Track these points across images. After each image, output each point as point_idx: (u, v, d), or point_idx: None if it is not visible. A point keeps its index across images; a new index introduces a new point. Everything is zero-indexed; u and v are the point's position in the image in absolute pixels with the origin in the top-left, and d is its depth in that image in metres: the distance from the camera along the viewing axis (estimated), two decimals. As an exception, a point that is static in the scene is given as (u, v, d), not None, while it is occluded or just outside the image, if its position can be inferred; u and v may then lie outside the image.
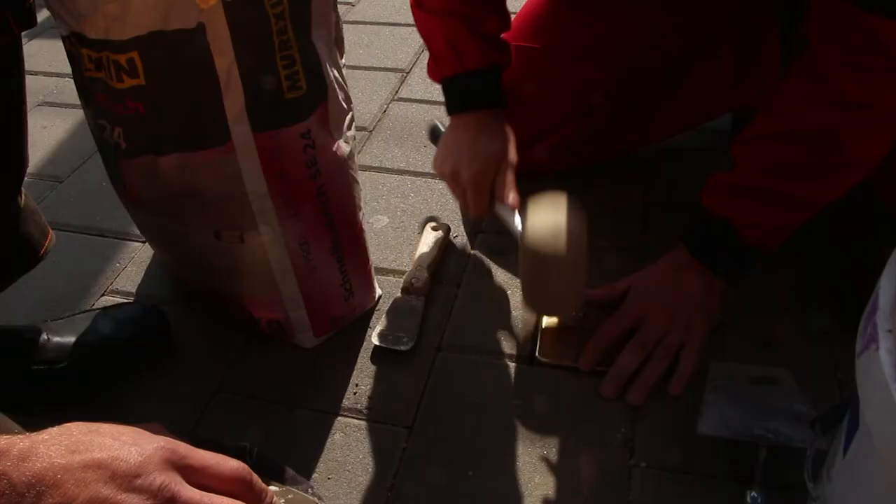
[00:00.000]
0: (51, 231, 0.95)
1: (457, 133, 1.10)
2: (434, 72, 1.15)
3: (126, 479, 0.51)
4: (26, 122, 0.85)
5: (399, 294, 1.07)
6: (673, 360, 0.96)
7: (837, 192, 0.93)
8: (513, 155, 1.07)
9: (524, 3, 1.32)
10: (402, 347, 0.99)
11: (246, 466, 0.58)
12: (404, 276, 1.08)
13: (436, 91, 1.55)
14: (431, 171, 1.24)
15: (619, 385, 0.94)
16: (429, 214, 1.24)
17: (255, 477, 0.58)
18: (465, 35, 1.08)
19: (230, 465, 0.57)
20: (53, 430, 0.52)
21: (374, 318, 1.05)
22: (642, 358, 0.96)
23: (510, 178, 1.04)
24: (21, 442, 0.49)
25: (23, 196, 0.89)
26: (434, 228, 1.16)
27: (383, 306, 1.07)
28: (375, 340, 1.00)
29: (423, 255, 1.12)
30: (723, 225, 0.96)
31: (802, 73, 0.90)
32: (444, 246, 1.16)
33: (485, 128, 1.09)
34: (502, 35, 1.12)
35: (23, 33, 0.78)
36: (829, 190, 0.93)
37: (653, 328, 0.97)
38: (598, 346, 0.98)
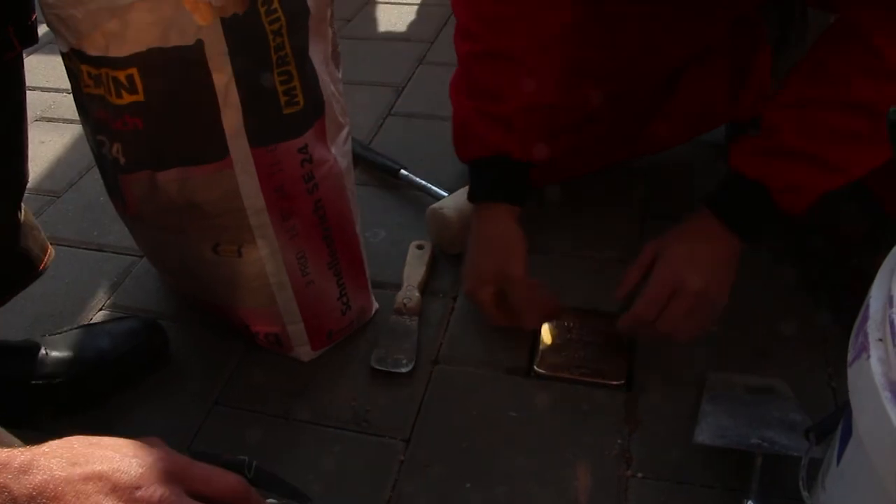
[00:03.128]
0: (50, 246, 0.95)
1: (471, 235, 1.06)
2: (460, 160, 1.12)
3: (127, 491, 0.51)
4: (27, 137, 0.85)
5: (392, 314, 1.08)
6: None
7: (872, 163, 0.93)
8: (513, 267, 1.00)
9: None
10: (402, 370, 0.99)
11: (244, 480, 0.58)
12: (396, 297, 1.09)
13: (431, 106, 1.57)
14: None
15: (634, 327, 0.96)
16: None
17: (253, 491, 0.59)
18: (474, 119, 1.05)
19: (228, 478, 0.58)
20: (54, 443, 0.53)
21: (371, 331, 1.06)
22: (658, 311, 0.94)
23: (519, 299, 1.01)
24: (22, 455, 0.50)
25: (22, 211, 0.89)
26: (418, 247, 1.17)
27: (380, 320, 1.07)
28: (374, 364, 1.00)
29: (411, 275, 1.12)
30: (756, 188, 0.94)
31: (853, 44, 0.89)
32: (431, 262, 1.16)
33: (485, 228, 1.05)
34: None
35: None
36: (866, 159, 0.92)
37: (679, 307, 0.94)
38: (629, 328, 0.97)
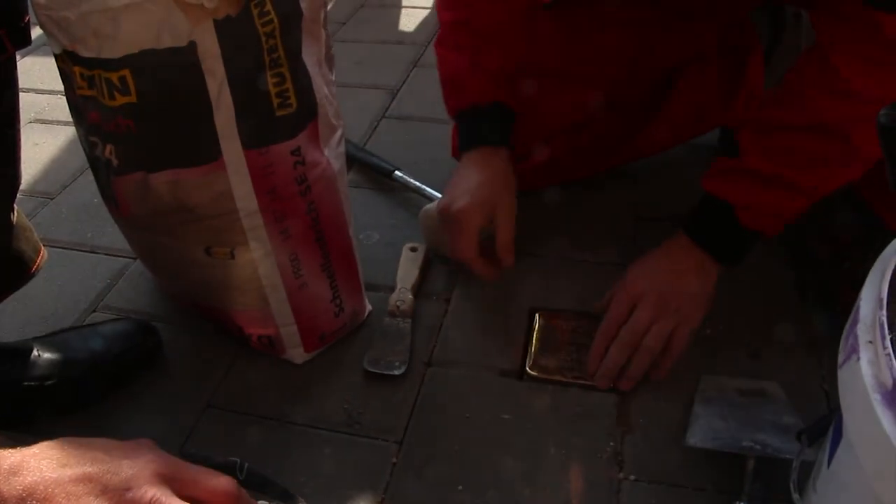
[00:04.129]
0: (43, 248, 0.95)
1: (457, 170, 1.10)
2: (447, 109, 1.16)
3: (117, 493, 0.51)
4: (19, 139, 0.85)
5: (385, 317, 1.08)
6: (663, 346, 0.96)
7: (838, 182, 0.94)
8: (510, 200, 1.05)
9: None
10: (396, 372, 0.99)
11: (234, 482, 0.58)
12: (389, 300, 1.09)
13: (425, 109, 1.57)
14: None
15: (610, 379, 0.96)
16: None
17: (244, 492, 0.59)
18: (467, 69, 1.09)
19: (219, 480, 0.58)
20: (44, 445, 0.53)
21: (364, 333, 1.06)
22: (629, 352, 0.96)
23: (504, 221, 1.04)
24: (11, 456, 0.50)
25: (15, 213, 0.89)
26: (412, 249, 1.17)
27: (374, 322, 1.07)
28: (367, 366, 1.00)
29: (404, 277, 1.12)
30: (723, 207, 0.96)
31: (814, 65, 0.91)
32: (425, 265, 1.17)
33: (486, 164, 1.07)
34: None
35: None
36: (830, 180, 0.94)
37: (642, 315, 0.96)
38: (601, 343, 0.98)
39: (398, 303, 1.08)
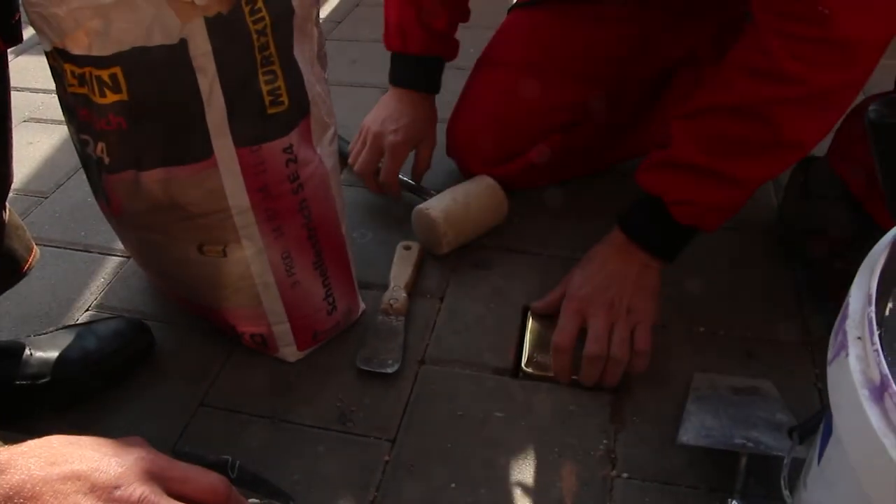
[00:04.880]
0: (35, 247, 0.95)
1: (391, 101, 1.26)
2: (386, 42, 1.27)
3: (105, 491, 0.51)
4: (11, 137, 0.85)
5: (379, 315, 1.07)
6: (629, 350, 0.95)
7: (770, 172, 0.94)
8: (433, 137, 1.27)
9: (504, 19, 1.34)
10: (388, 370, 0.99)
11: (225, 479, 0.58)
12: (382, 298, 1.09)
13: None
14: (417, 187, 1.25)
15: (594, 383, 0.96)
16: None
17: (234, 490, 0.59)
18: (414, 22, 1.20)
19: (209, 477, 0.57)
20: (33, 443, 0.53)
21: (357, 331, 1.06)
22: (602, 362, 0.94)
23: (426, 154, 1.26)
24: None
25: (7, 211, 0.89)
26: (406, 248, 1.17)
27: (367, 320, 1.07)
28: (360, 365, 1.00)
29: (398, 275, 1.12)
30: (655, 202, 0.95)
31: (743, 46, 0.90)
32: (419, 263, 1.17)
33: (416, 104, 1.25)
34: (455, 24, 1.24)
35: (9, 49, 0.79)
36: (761, 170, 0.93)
37: (599, 323, 0.95)
38: (563, 359, 0.97)
39: (391, 301, 1.08)
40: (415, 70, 1.25)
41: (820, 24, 0.79)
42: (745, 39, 0.90)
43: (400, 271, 1.13)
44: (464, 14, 1.25)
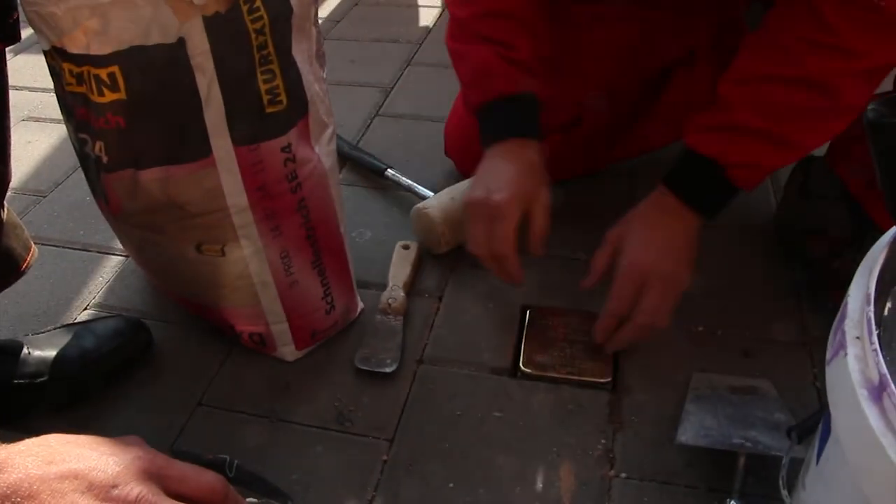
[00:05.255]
0: (33, 246, 0.95)
1: (488, 165, 1.04)
2: (468, 103, 1.12)
3: (103, 490, 0.51)
4: (9, 136, 0.85)
5: (377, 314, 1.07)
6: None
7: (827, 136, 0.97)
8: (546, 195, 1.02)
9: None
10: (387, 370, 0.99)
11: (222, 479, 0.58)
12: (381, 297, 1.09)
13: (418, 107, 1.57)
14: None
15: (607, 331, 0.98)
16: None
17: (232, 489, 0.59)
18: (496, 60, 1.05)
19: (207, 477, 0.57)
20: (30, 442, 0.53)
21: (356, 331, 1.05)
22: (643, 331, 0.97)
23: (542, 217, 1.01)
24: None
25: (5, 210, 0.89)
26: (404, 247, 1.17)
27: (365, 320, 1.07)
28: (358, 364, 0.99)
29: (396, 275, 1.12)
30: (710, 163, 0.96)
31: (803, 17, 0.90)
32: (417, 263, 1.16)
33: (518, 157, 1.03)
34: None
35: (7, 48, 0.79)
36: (819, 134, 0.95)
37: (655, 295, 0.95)
38: (610, 324, 0.98)
39: (390, 300, 1.07)
40: (507, 115, 1.06)
41: (877, 11, 0.83)
42: (800, 12, 0.90)
43: (398, 271, 1.13)
44: (543, 46, 1.09)
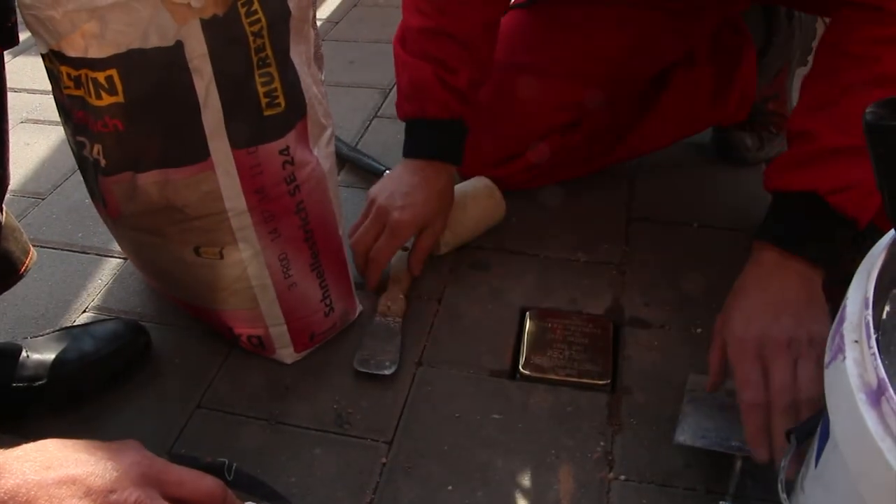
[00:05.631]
0: (32, 249, 0.95)
1: (404, 173, 1.12)
2: (399, 110, 1.16)
3: (101, 495, 0.51)
4: (8, 139, 0.85)
5: (376, 316, 1.07)
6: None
7: None
8: (442, 223, 1.13)
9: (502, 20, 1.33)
10: (386, 372, 0.98)
11: (221, 483, 0.58)
12: (379, 300, 1.09)
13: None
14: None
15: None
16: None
17: (230, 493, 0.59)
18: (432, 80, 1.09)
19: (205, 481, 0.57)
20: (28, 447, 0.53)
21: (354, 333, 1.05)
22: (794, 414, 0.78)
23: (428, 242, 1.11)
24: None
25: (4, 213, 0.89)
26: (403, 249, 1.16)
27: (364, 321, 1.07)
28: (357, 366, 0.99)
29: (396, 277, 1.12)
30: (807, 198, 0.85)
31: (858, 20, 0.85)
32: None
33: (432, 181, 1.11)
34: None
35: (5, 51, 0.79)
36: None
37: (783, 371, 0.79)
38: (759, 423, 0.79)
39: (389, 303, 1.07)
40: (432, 136, 1.12)
41: None
42: (853, 19, 0.86)
43: (397, 273, 1.13)
44: (484, 73, 1.14)
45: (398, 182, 1.11)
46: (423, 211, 1.09)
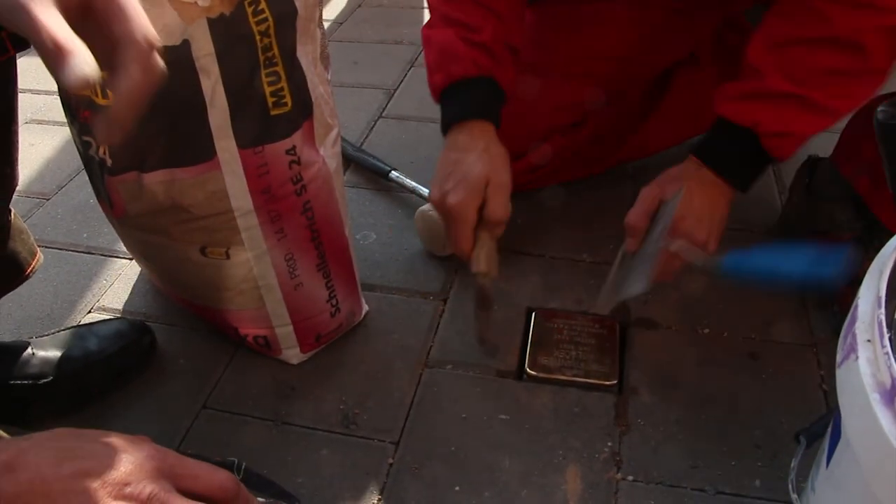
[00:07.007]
0: (39, 251, 0.95)
1: (443, 154, 1.01)
2: (431, 89, 1.08)
3: (116, 487, 0.50)
4: (17, 140, 0.85)
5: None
6: None
7: (857, 101, 0.94)
8: (502, 176, 0.97)
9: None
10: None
11: (234, 477, 0.58)
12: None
13: (422, 109, 1.57)
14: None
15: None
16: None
17: (243, 488, 0.58)
18: (456, 42, 1.03)
19: (219, 475, 0.57)
20: (40, 437, 0.52)
21: (361, 333, 1.05)
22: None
23: (500, 201, 0.96)
24: (6, 451, 0.49)
25: (12, 214, 0.89)
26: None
27: (370, 322, 1.07)
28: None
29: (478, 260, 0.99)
30: (746, 133, 0.94)
31: None
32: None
33: (472, 144, 0.99)
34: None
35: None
36: (849, 98, 0.93)
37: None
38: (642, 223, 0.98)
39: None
40: (462, 98, 1.03)
41: None
42: None
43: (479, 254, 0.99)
44: (510, 35, 1.05)
45: (442, 164, 1.00)
46: (472, 180, 0.95)
